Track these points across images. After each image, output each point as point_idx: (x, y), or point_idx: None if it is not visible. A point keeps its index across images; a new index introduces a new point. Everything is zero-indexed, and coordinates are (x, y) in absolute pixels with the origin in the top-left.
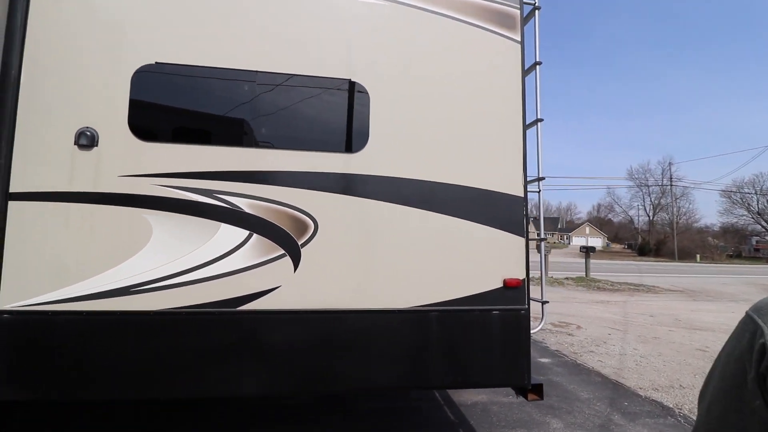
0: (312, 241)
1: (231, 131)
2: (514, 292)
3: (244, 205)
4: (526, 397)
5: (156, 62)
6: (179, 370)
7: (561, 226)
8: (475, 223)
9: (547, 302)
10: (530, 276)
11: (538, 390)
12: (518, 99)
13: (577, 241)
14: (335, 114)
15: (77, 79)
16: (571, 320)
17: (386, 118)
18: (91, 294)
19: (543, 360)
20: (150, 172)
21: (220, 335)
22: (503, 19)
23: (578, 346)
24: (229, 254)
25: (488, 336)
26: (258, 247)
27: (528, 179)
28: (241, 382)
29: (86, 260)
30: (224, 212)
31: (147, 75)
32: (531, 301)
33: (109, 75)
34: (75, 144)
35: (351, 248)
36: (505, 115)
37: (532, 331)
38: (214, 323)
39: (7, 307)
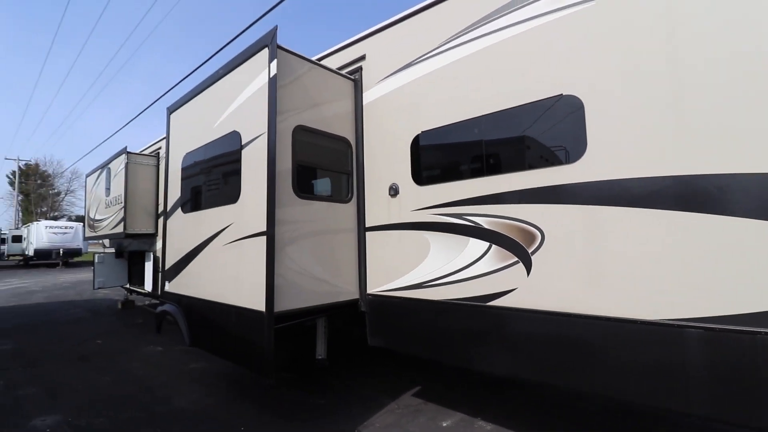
0: (540, 250)
1: (468, 166)
2: None
3: (484, 222)
4: None
5: (421, 131)
6: (453, 344)
7: None
8: (746, 219)
9: None
10: None
11: None
12: None
13: None
14: (551, 131)
15: (388, 154)
16: None
17: (604, 120)
18: (403, 287)
19: None
20: (425, 206)
21: (477, 323)
22: None
23: None
24: (477, 261)
25: None
26: (497, 256)
27: None
28: (491, 362)
29: (400, 265)
30: (470, 229)
31: (417, 141)
32: None
33: (401, 148)
34: (389, 194)
35: (577, 255)
36: None
37: None
38: (473, 314)
39: (370, 291)
